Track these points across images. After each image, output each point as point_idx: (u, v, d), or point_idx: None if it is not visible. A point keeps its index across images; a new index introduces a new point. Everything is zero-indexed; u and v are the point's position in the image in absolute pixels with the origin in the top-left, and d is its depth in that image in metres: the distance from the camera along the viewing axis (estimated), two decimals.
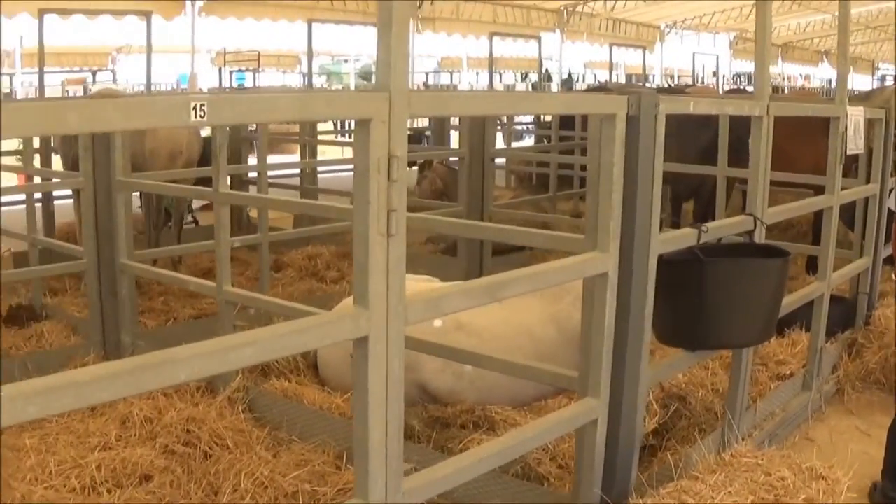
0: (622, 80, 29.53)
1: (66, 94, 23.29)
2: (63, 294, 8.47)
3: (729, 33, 30.90)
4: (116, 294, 6.63)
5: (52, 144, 9.71)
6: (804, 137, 7.89)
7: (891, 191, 7.13)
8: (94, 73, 28.15)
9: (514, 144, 16.84)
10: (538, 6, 22.90)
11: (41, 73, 9.97)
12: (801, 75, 43.06)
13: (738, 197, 9.55)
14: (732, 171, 7.88)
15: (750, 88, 18.06)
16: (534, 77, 30.26)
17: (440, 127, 14.27)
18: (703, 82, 30.63)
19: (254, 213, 10.75)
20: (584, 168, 10.50)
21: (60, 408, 2.01)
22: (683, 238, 4.11)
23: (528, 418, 5.47)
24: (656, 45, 27.86)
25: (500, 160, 13.06)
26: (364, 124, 2.46)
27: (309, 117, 2.37)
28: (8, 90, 21.48)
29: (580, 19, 24.09)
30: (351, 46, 31.60)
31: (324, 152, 15.08)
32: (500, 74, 38.24)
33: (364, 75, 40.37)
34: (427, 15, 20.91)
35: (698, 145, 8.88)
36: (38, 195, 9.20)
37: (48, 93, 19.31)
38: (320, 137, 13.28)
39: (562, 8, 23.64)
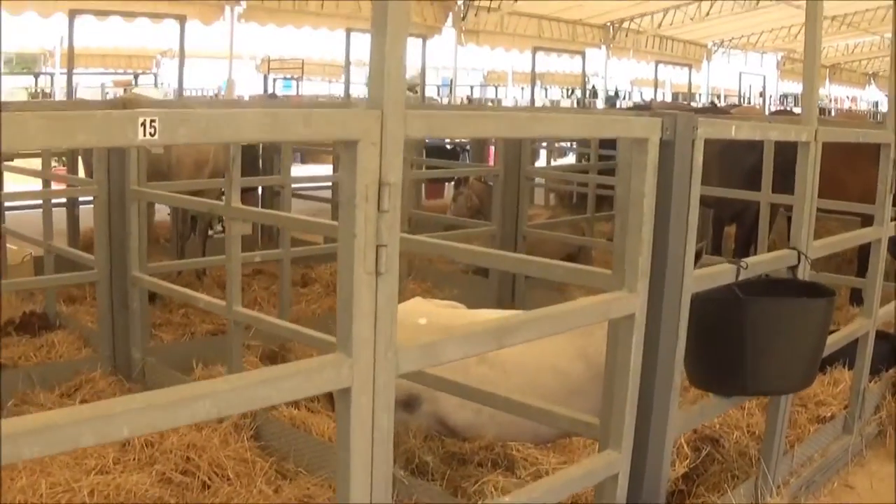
0: (668, 99, 29.08)
1: (105, 96, 23.24)
2: (81, 302, 8.24)
3: (777, 53, 30.41)
4: (128, 307, 6.39)
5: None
6: (852, 163, 7.50)
7: None
8: (136, 76, 28.14)
9: (558, 161, 16.49)
10: (584, 21, 22.58)
11: (70, 75, 9.83)
12: (847, 97, 42.36)
13: (783, 222, 9.17)
14: (777, 196, 7.47)
15: (797, 110, 17.60)
16: (580, 93, 29.96)
17: (479, 141, 13.94)
18: (749, 102, 30.11)
19: None
20: None
21: None
22: (720, 275, 3.76)
23: (551, 457, 5.15)
24: (703, 63, 27.41)
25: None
26: (350, 146, 2.15)
27: (281, 137, 2.05)
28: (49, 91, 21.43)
29: (626, 35, 23.73)
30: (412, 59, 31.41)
31: None
32: (546, 90, 37.89)
33: (409, 87, 40.13)
34: (471, 27, 20.66)
35: (743, 167, 8.50)
36: (60, 200, 9.06)
37: (87, 94, 19.27)
38: None
39: (607, 24, 23.30)
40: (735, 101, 30.72)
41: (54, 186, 7.74)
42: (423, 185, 16.33)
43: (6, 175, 8.39)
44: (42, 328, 7.31)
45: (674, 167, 3.27)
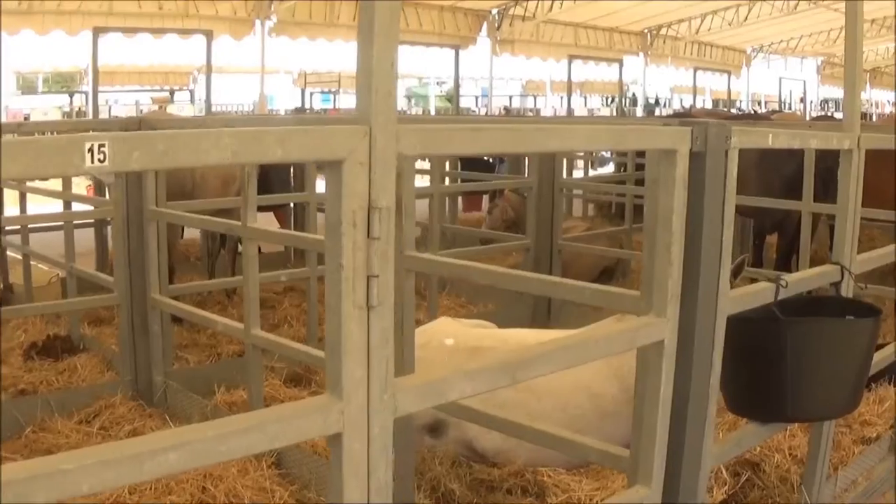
0: (709, 106, 28.69)
1: (139, 112, 23.23)
2: (108, 324, 8.09)
3: (816, 58, 29.96)
4: (148, 330, 6.22)
5: None
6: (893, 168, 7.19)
7: None
8: (172, 93, 28.20)
9: (599, 171, 16.18)
10: (621, 29, 22.32)
11: (95, 93, 9.67)
12: (888, 101, 41.65)
13: (826, 231, 8.85)
14: (819, 206, 7.15)
15: (838, 115, 17.19)
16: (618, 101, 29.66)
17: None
18: (790, 108, 29.65)
19: None
20: None
21: None
22: (759, 295, 3.50)
23: (584, 483, 4.91)
24: (742, 69, 27.01)
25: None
26: (334, 167, 1.94)
27: (252, 160, 1.83)
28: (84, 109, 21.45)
29: (664, 42, 23.41)
30: (436, 69, 31.39)
31: None
32: (585, 98, 37.62)
33: (449, 98, 40.03)
34: (506, 37, 20.45)
35: (783, 175, 8.21)
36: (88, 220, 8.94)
37: (122, 112, 19.27)
38: None
39: (645, 30, 23.01)
40: (776, 106, 30.26)
41: (78, 207, 7.56)
42: (460, 198, 16.19)
43: (29, 196, 8.29)
44: (65, 351, 7.18)
45: (705, 180, 3.02)
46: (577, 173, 14.81)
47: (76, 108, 20.61)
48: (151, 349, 6.23)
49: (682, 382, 3.07)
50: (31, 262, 8.50)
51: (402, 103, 40.40)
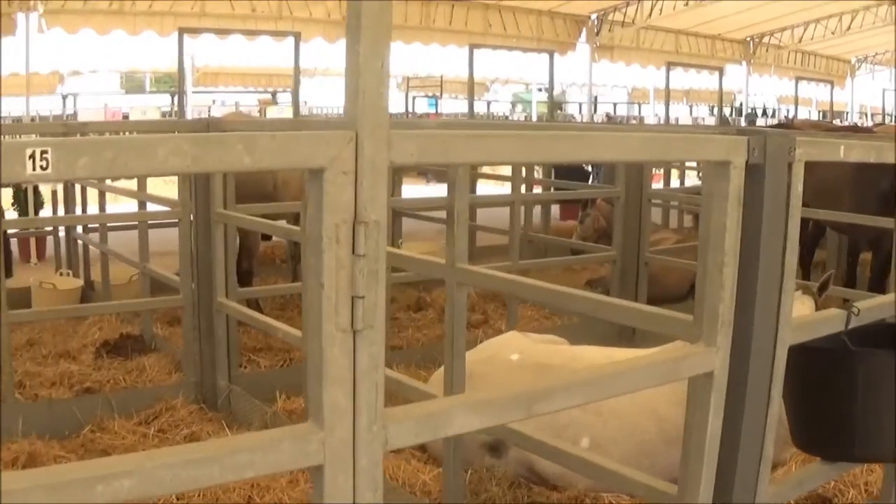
0: (815, 117, 27.87)
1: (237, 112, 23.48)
2: (181, 325, 8.07)
3: None
4: (213, 333, 6.15)
5: None
6: None
7: None
8: (274, 94, 28.48)
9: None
10: (723, 36, 21.76)
11: (180, 93, 9.68)
12: None
13: None
14: None
15: None
16: (726, 110, 28.99)
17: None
18: (894, 120, 28.60)
19: (405, 247, 10.20)
20: None
21: None
22: (827, 323, 3.21)
23: None
24: (846, 80, 26.16)
25: None
26: (315, 176, 1.76)
27: (216, 167, 1.65)
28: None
29: (766, 51, 22.76)
30: (539, 75, 31.09)
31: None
32: (691, 107, 36.93)
33: (556, 104, 39.67)
34: (605, 43, 20.10)
35: (880, 190, 7.80)
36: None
37: (221, 113, 19.45)
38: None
39: (747, 39, 22.40)
40: (881, 119, 29.26)
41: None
42: (558, 206, 15.90)
43: (108, 195, 8.34)
44: (136, 351, 7.17)
45: (764, 195, 2.76)
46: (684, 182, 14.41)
47: (175, 109, 20.90)
48: (216, 353, 6.16)
49: (734, 417, 2.81)
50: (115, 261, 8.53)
51: (505, 108, 40.31)
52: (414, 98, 30.52)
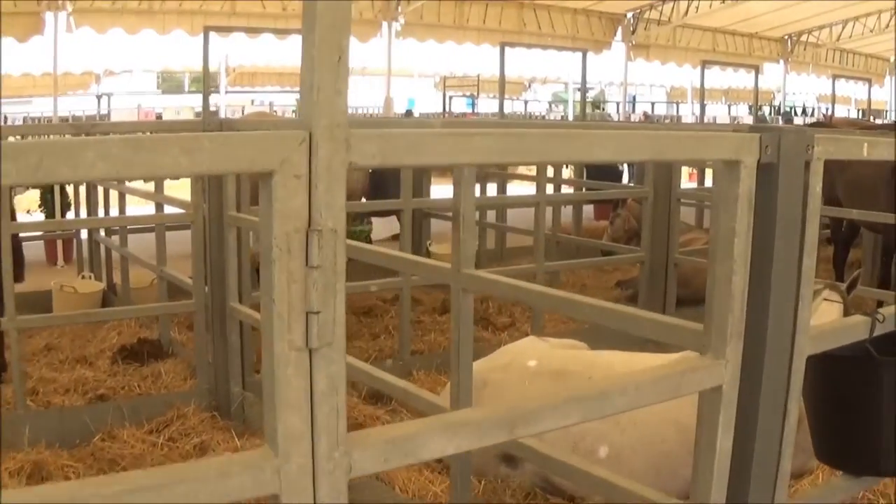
0: (854, 115, 27.41)
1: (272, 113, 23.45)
2: None
3: None
4: (226, 339, 6.03)
5: None
6: None
7: None
8: None
9: None
10: (760, 35, 21.42)
11: (206, 94, 9.55)
12: None
13: None
14: None
15: None
16: (766, 109, 28.62)
17: None
18: None
19: (434, 248, 10.05)
20: None
21: None
22: (849, 331, 3.02)
23: None
24: (885, 78, 25.70)
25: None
26: (265, 180, 1.60)
27: (149, 173, 1.47)
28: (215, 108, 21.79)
29: (804, 49, 22.40)
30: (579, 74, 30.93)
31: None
32: (729, 106, 36.56)
33: (596, 103, 39.44)
34: (641, 41, 19.84)
35: None
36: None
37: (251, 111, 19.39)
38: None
39: (785, 37, 22.04)
40: None
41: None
42: (592, 206, 15.67)
43: (128, 198, 8.25)
44: (151, 356, 7.06)
45: (777, 197, 2.57)
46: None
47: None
48: (229, 358, 6.04)
49: (746, 433, 2.63)
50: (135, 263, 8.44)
51: (542, 108, 40.11)
52: (451, 98, 30.41)
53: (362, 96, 30.45)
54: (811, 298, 2.79)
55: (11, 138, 5.59)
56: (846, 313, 5.05)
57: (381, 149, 1.70)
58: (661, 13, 19.56)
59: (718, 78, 27.46)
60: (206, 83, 9.21)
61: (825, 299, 4.77)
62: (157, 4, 13.40)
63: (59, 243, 11.43)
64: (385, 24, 15.69)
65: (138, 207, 9.93)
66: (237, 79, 28.11)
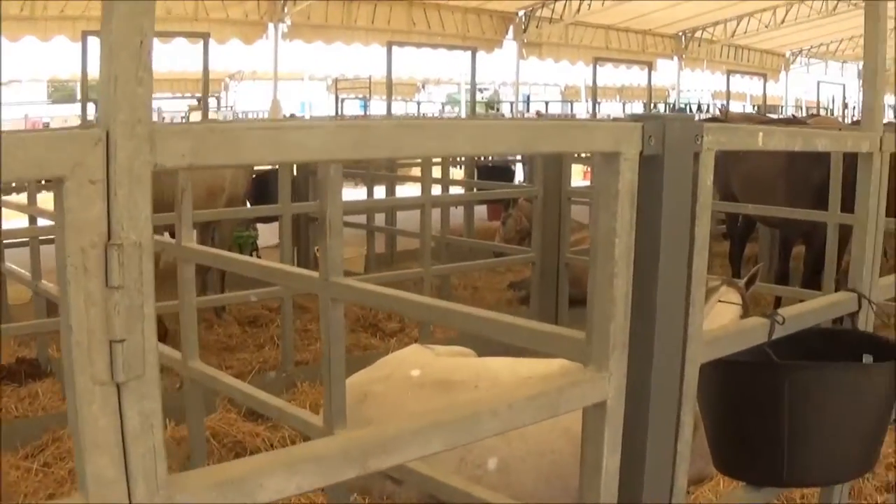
0: (749, 111, 27.86)
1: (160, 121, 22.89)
2: None
3: (857, 62, 29.07)
4: None
5: None
6: None
7: None
8: (199, 99, 27.92)
9: None
10: (654, 31, 21.56)
11: (84, 101, 9.14)
12: None
13: None
14: (845, 216, 6.44)
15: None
16: (660, 107, 28.88)
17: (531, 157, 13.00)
18: (832, 113, 28.70)
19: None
20: None
21: None
22: (746, 335, 2.85)
23: None
24: (780, 73, 26.16)
25: None
26: (57, 187, 1.35)
27: None
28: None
29: (699, 45, 22.64)
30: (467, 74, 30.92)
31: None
32: (624, 104, 36.88)
33: (490, 104, 39.47)
34: (533, 40, 19.80)
35: (811, 183, 7.53)
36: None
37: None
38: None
39: (679, 34, 22.24)
40: (817, 112, 29.42)
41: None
42: (485, 207, 15.54)
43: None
44: (29, 376, 6.73)
45: (663, 192, 2.38)
46: None
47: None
48: None
49: (635, 451, 2.43)
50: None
51: (434, 109, 40.00)
52: (343, 100, 30.08)
53: (252, 101, 29.99)
54: (703, 301, 2.61)
55: None
56: (745, 312, 4.95)
57: (193, 147, 1.45)
58: (552, 11, 19.53)
59: (612, 76, 27.64)
60: (84, 90, 8.84)
61: (720, 300, 4.66)
62: (38, 10, 12.77)
63: None
64: (271, 25, 15.33)
65: (12, 221, 9.48)
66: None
